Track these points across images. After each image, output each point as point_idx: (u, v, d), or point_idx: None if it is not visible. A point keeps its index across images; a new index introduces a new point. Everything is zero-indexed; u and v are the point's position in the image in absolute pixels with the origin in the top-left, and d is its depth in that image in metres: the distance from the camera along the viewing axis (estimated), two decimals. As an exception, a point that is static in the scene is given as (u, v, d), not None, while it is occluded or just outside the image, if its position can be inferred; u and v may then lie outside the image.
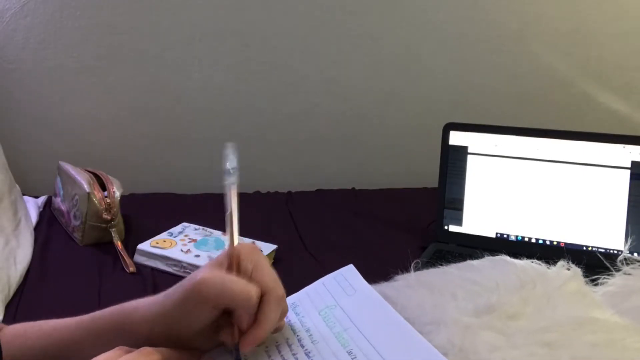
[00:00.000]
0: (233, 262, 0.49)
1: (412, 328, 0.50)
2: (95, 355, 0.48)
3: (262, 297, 0.47)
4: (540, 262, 0.66)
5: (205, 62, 1.51)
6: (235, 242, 0.50)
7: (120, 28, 1.44)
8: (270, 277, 0.49)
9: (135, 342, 0.48)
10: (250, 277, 0.48)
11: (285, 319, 0.55)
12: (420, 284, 0.65)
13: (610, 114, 1.75)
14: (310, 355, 0.50)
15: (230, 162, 0.55)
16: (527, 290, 0.60)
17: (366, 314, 0.53)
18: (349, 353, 0.49)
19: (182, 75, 1.51)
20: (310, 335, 0.52)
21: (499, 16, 1.62)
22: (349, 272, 0.60)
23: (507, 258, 0.68)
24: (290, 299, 0.59)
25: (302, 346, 0.51)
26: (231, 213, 0.53)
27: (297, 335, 0.53)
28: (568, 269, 0.65)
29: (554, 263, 0.66)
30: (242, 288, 0.46)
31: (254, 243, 1.11)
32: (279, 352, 0.51)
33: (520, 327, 0.55)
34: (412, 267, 0.72)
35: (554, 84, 1.71)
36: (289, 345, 0.52)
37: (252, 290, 0.47)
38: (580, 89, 1.73)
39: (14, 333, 0.55)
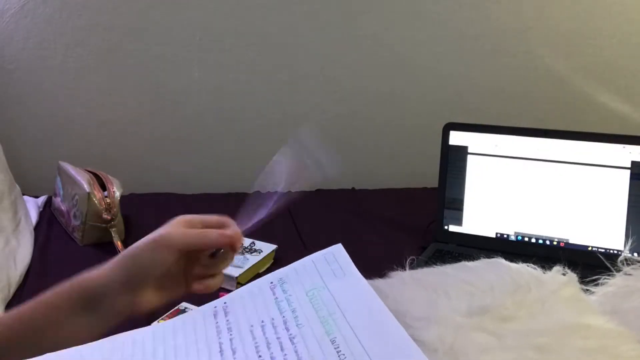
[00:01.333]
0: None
1: (395, 319, 0.49)
2: (57, 331, 0.53)
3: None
4: (536, 266, 0.66)
5: (205, 62, 1.51)
6: None
7: (121, 28, 1.44)
8: (216, 218, 0.63)
9: (101, 311, 0.54)
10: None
11: (272, 296, 0.57)
12: (414, 282, 0.65)
13: (610, 114, 1.75)
14: (294, 341, 0.49)
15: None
16: (521, 294, 0.60)
17: (353, 300, 0.53)
18: (332, 342, 0.49)
19: (182, 75, 1.51)
20: (296, 317, 0.52)
21: (500, 16, 1.62)
22: (338, 252, 0.59)
23: (503, 261, 0.68)
24: (278, 274, 0.59)
25: (287, 329, 0.51)
26: None
27: (283, 316, 0.52)
28: (564, 274, 0.65)
29: (550, 268, 0.66)
30: (204, 232, 0.60)
31: (254, 243, 1.11)
32: (264, 333, 0.51)
33: (512, 330, 0.55)
34: (407, 264, 0.72)
35: (554, 84, 1.71)
36: (274, 327, 0.51)
37: (212, 232, 0.61)
38: (580, 89, 1.73)
39: None
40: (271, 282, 0.58)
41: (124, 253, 0.58)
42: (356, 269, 0.57)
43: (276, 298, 0.55)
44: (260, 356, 0.49)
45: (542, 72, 1.69)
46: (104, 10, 1.41)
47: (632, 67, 1.74)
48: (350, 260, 0.58)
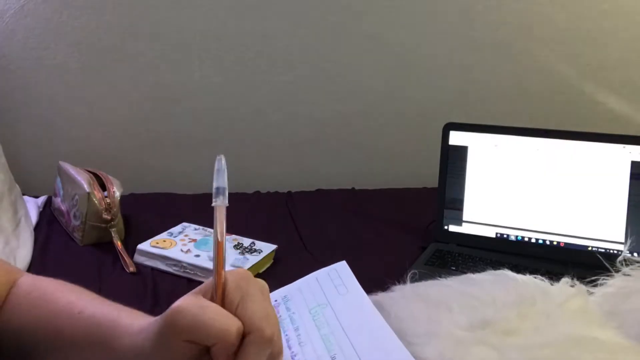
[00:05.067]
0: (218, 291, 0.42)
1: (397, 338, 0.50)
2: (73, 356, 0.47)
3: (245, 336, 0.40)
4: (544, 278, 0.65)
5: (205, 62, 1.51)
6: (225, 268, 0.44)
7: (121, 28, 1.44)
8: (260, 313, 0.41)
9: None
10: (235, 311, 0.41)
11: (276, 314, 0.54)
12: (416, 296, 0.65)
13: (610, 114, 1.75)
14: (295, 358, 0.50)
15: (221, 179, 0.47)
16: (525, 307, 0.59)
17: (355, 317, 0.53)
18: (332, 358, 0.49)
19: (182, 75, 1.50)
20: (299, 335, 0.52)
21: (500, 16, 1.62)
22: (342, 269, 0.60)
23: (509, 272, 0.67)
24: (282, 292, 0.59)
25: (289, 347, 0.51)
26: (220, 238, 0.45)
27: (286, 334, 0.53)
28: (572, 286, 0.64)
29: (558, 279, 0.65)
30: (220, 322, 0.40)
31: (254, 243, 1.11)
32: None
33: (515, 344, 0.54)
34: (408, 277, 0.72)
35: (554, 84, 1.71)
36: None
37: (232, 327, 0.40)
38: (580, 89, 1.73)
39: (25, 294, 0.52)
40: (275, 300, 0.58)
41: (143, 340, 0.43)
42: (359, 286, 0.57)
43: (279, 316, 0.55)
44: None
45: (542, 72, 1.69)
46: (104, 10, 1.41)
47: (632, 67, 1.74)
48: (354, 277, 0.58)
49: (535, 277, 0.65)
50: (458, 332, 0.55)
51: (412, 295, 0.65)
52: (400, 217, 1.35)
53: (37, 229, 1.20)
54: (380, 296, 0.66)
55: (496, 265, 0.78)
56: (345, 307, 0.55)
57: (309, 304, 0.56)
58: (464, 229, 1.19)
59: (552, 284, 0.64)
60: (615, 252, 1.08)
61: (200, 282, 0.45)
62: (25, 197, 1.31)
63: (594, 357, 0.52)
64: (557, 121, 1.50)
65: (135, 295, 0.96)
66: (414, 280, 0.71)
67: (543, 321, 0.57)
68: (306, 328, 0.53)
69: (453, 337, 0.55)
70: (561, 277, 0.65)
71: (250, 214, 1.34)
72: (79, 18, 1.40)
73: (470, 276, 0.68)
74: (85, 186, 1.13)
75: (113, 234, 1.12)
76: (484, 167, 1.17)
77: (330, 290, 0.57)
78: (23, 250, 1.07)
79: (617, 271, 0.72)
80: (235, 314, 0.41)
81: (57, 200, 1.26)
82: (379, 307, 0.54)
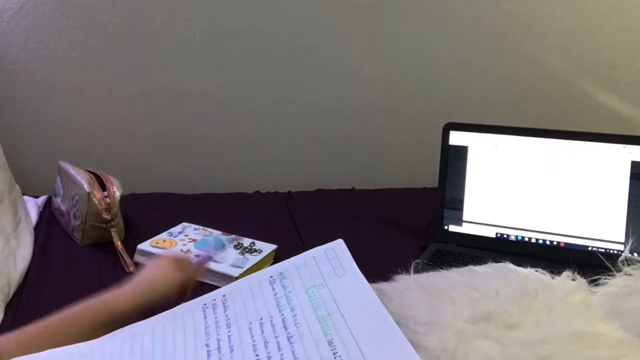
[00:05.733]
0: None
1: (394, 322, 0.49)
2: (72, 343, 0.54)
3: None
4: (545, 271, 0.65)
5: (205, 62, 1.51)
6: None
7: (120, 28, 1.43)
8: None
9: (116, 322, 0.58)
10: None
11: (271, 291, 0.57)
12: (419, 286, 0.65)
13: (610, 114, 1.75)
14: (291, 340, 0.50)
15: None
16: (527, 300, 0.59)
17: (352, 300, 0.53)
18: (330, 343, 0.48)
19: (182, 75, 1.50)
20: (295, 316, 0.52)
21: (500, 16, 1.62)
22: (339, 248, 0.59)
23: (511, 266, 0.66)
24: (278, 268, 0.59)
25: (285, 328, 0.51)
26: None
27: (282, 314, 0.52)
28: (573, 280, 0.64)
29: (559, 273, 0.65)
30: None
31: (254, 243, 1.10)
32: (262, 332, 0.51)
33: (517, 338, 0.54)
34: (411, 268, 0.72)
35: (554, 84, 1.71)
36: (273, 326, 0.51)
37: None
38: (580, 89, 1.73)
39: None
40: (271, 277, 0.58)
41: (141, 279, 0.68)
42: (356, 267, 0.57)
43: (275, 294, 0.55)
44: (257, 355, 0.49)
45: (542, 72, 1.69)
46: (104, 10, 1.41)
47: (632, 67, 1.74)
48: (351, 257, 0.58)
49: (536, 271, 0.64)
50: (460, 323, 0.55)
51: (415, 285, 0.65)
52: (400, 217, 1.35)
53: (37, 229, 1.20)
54: (383, 285, 0.65)
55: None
56: (343, 289, 0.54)
57: (305, 283, 0.56)
58: (464, 229, 1.19)
59: (553, 278, 0.64)
60: (615, 252, 1.08)
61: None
62: (25, 197, 1.31)
63: (595, 352, 0.52)
64: (557, 121, 1.50)
65: (135, 295, 0.96)
66: (417, 271, 0.71)
67: (545, 315, 0.57)
68: (303, 309, 0.53)
69: (455, 329, 0.54)
70: (562, 271, 0.65)
71: (250, 214, 1.34)
72: (79, 18, 1.40)
73: (473, 268, 0.67)
74: (85, 186, 1.13)
75: (113, 234, 1.12)
76: (484, 167, 1.17)
77: (327, 270, 0.57)
78: (23, 250, 1.07)
79: (619, 271, 0.72)
80: None
81: (57, 200, 1.26)
82: (381, 293, 0.54)
